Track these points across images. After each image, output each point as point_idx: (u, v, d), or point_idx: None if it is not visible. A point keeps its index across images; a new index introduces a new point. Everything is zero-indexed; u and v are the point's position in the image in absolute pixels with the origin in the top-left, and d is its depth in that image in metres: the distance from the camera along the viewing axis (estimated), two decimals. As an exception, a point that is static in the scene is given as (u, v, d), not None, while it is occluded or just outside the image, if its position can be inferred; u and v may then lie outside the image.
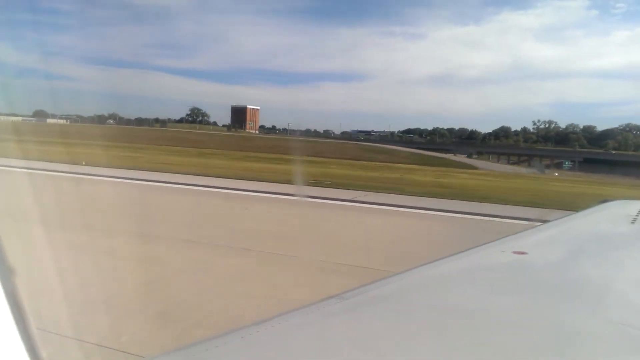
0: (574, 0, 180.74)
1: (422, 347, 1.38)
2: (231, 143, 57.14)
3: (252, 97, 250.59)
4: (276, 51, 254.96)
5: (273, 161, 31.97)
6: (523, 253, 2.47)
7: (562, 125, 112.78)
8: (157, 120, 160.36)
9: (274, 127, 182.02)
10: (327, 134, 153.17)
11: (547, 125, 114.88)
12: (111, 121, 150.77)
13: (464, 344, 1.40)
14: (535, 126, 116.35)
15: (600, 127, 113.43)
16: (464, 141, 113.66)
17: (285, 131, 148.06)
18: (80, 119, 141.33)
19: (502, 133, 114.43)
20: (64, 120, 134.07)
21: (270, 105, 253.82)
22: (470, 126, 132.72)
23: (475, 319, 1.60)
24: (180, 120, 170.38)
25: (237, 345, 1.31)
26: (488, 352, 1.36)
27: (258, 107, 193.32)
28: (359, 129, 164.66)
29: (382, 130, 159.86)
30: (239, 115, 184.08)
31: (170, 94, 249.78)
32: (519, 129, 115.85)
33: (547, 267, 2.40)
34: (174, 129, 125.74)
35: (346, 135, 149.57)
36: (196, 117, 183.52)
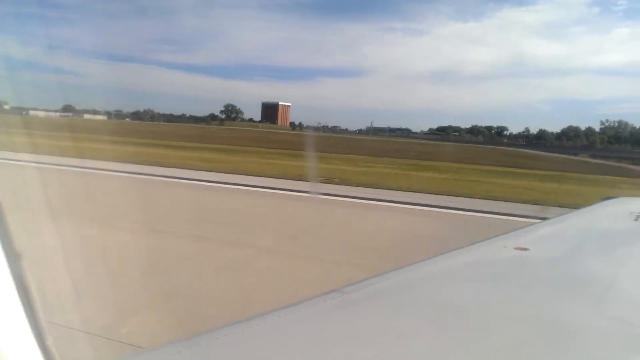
0: None
1: (423, 342, 1.37)
2: (344, 146, 50.44)
3: (254, 93, 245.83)
4: (277, 46, 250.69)
5: (462, 172, 25.52)
6: (525, 249, 2.46)
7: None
8: (213, 118, 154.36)
9: (292, 123, 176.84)
10: (359, 131, 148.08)
11: (616, 125, 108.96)
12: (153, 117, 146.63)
13: (465, 339, 1.40)
14: (603, 126, 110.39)
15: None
16: (532, 141, 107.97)
17: (305, 127, 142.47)
18: (115, 115, 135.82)
19: (572, 133, 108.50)
20: (102, 117, 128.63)
21: (269, 100, 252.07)
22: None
23: (476, 314, 1.59)
24: (213, 117, 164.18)
25: (237, 338, 1.31)
26: (488, 348, 1.35)
27: (289, 104, 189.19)
28: (376, 125, 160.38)
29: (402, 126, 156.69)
30: (270, 111, 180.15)
31: (171, 89, 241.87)
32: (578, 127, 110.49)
33: (548, 263, 2.39)
34: (244, 128, 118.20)
35: (378, 132, 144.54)
36: (230, 113, 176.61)
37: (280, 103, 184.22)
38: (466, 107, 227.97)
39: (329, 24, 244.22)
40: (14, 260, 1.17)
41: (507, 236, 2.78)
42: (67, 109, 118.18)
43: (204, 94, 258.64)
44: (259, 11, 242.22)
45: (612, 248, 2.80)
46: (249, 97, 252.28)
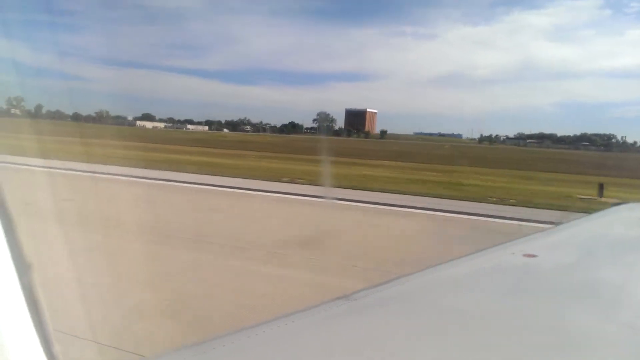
0: (587, 0, 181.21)
1: (431, 349, 1.36)
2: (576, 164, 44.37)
3: (263, 97, 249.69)
4: (286, 51, 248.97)
5: None
6: (533, 256, 2.46)
7: None
8: (293, 126, 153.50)
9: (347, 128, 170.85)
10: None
11: None
12: (248, 127, 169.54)
13: (473, 345, 1.39)
14: None
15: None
16: None
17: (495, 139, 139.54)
18: (214, 125, 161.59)
19: None
20: (203, 127, 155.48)
21: (279, 105, 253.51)
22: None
23: (484, 321, 1.58)
24: (293, 125, 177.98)
25: (243, 344, 1.31)
26: (498, 354, 1.34)
27: (376, 111, 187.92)
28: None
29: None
30: (356, 119, 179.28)
31: (181, 94, 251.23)
32: None
33: (557, 270, 2.39)
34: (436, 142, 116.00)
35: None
36: (323, 122, 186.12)
37: (367, 110, 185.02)
38: (476, 111, 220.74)
39: (338, 29, 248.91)
40: (24, 271, 1.17)
41: (516, 242, 2.80)
42: (146, 117, 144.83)
43: (213, 99, 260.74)
44: (268, 17, 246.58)
45: (621, 255, 2.78)
46: (256, 101, 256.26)
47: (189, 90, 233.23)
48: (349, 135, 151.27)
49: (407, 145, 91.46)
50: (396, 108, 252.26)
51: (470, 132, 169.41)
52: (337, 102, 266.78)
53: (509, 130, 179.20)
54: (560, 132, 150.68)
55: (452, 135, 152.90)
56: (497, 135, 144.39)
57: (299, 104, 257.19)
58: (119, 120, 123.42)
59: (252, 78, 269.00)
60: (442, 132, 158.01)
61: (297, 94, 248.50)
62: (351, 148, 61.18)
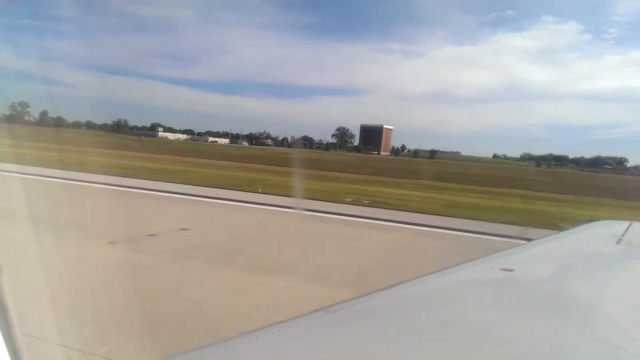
0: (568, 24, 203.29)
1: None
2: None
3: (252, 108, 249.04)
4: (276, 64, 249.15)
5: None
6: (510, 270, 2.52)
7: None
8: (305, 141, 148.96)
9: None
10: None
11: None
12: (270, 141, 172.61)
13: (451, 358, 1.40)
14: None
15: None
16: None
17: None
18: (235, 138, 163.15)
19: None
20: (225, 140, 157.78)
21: (267, 117, 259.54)
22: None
23: (462, 333, 1.60)
24: (304, 141, 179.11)
25: (224, 356, 1.30)
26: None
27: (391, 127, 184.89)
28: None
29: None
30: (372, 135, 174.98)
31: (169, 103, 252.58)
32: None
33: (533, 284, 2.44)
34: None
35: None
36: (343, 137, 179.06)
37: (384, 126, 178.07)
38: (463, 129, 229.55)
39: (327, 44, 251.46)
40: None
41: (493, 257, 2.88)
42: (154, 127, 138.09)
43: (203, 109, 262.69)
44: (258, 30, 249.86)
45: (595, 270, 2.86)
46: (246, 111, 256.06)
47: (178, 99, 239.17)
48: (396, 154, 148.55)
49: (477, 167, 79.72)
50: (385, 124, 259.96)
51: (469, 150, 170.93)
52: (328, 116, 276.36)
53: (497, 150, 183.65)
54: (546, 153, 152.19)
55: (450, 153, 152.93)
56: (538, 155, 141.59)
57: (289, 117, 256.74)
58: (139, 131, 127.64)
59: (241, 90, 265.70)
60: (440, 150, 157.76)
61: (287, 106, 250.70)
62: (448, 172, 53.31)
